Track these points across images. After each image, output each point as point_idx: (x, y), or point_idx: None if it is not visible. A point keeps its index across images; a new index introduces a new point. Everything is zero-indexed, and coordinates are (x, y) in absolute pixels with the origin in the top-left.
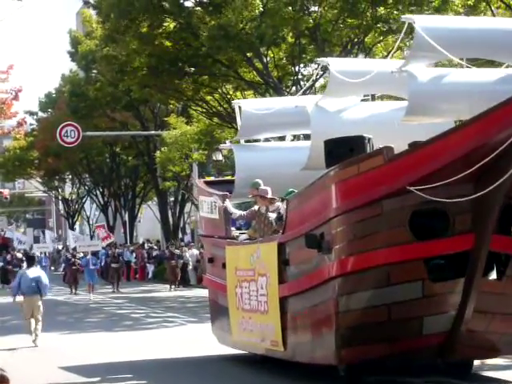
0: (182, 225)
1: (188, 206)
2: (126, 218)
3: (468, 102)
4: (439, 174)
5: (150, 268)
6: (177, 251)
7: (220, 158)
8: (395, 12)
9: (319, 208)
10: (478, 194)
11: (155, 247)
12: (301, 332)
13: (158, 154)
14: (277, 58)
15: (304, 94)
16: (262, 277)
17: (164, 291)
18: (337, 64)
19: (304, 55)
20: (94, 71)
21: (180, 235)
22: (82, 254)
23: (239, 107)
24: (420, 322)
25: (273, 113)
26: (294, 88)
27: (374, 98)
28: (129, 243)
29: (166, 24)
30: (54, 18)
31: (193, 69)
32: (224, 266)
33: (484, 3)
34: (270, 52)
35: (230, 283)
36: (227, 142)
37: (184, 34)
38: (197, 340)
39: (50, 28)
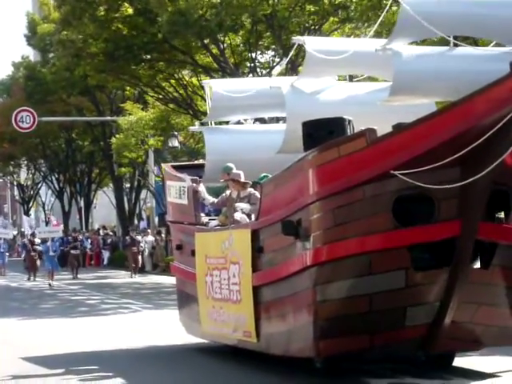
0: (137, 211)
1: (144, 193)
2: (82, 204)
3: (456, 81)
4: (425, 157)
5: (106, 254)
6: (138, 237)
7: (176, 144)
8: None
9: (296, 193)
10: (468, 181)
11: (111, 233)
12: (276, 323)
13: (113, 140)
14: (234, 44)
15: None
16: (234, 265)
17: (120, 277)
18: (313, 42)
19: (261, 42)
20: (51, 55)
21: (136, 221)
22: (39, 240)
23: (209, 87)
24: (403, 313)
25: (246, 95)
26: (250, 75)
27: (351, 79)
28: (84, 229)
29: (123, 8)
30: (10, 1)
31: (149, 56)
32: (193, 253)
33: None
34: (226, 38)
35: (200, 271)
36: (196, 124)
37: (141, 20)
38: (156, 328)
39: (4, 11)
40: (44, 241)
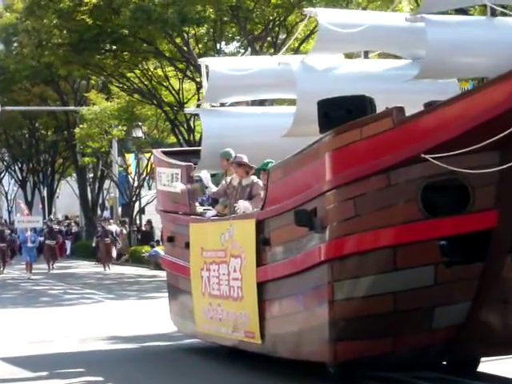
0: (100, 201)
1: (107, 183)
2: (45, 193)
3: (495, 55)
4: (460, 140)
5: (68, 244)
6: (111, 227)
7: (140, 134)
8: None
9: (311, 179)
10: (509, 165)
11: (73, 223)
12: (284, 323)
13: (77, 129)
14: (198, 35)
15: None
16: (235, 258)
17: (82, 267)
18: (327, 14)
19: (226, 32)
20: (15, 44)
21: (99, 211)
22: (8, 231)
23: (206, 66)
24: (430, 314)
25: (248, 74)
26: None
27: (367, 55)
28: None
29: (87, 0)
30: None
31: (114, 46)
32: (187, 245)
33: None
34: (191, 29)
35: (195, 265)
36: (192, 106)
37: (105, 11)
38: (119, 318)
39: None
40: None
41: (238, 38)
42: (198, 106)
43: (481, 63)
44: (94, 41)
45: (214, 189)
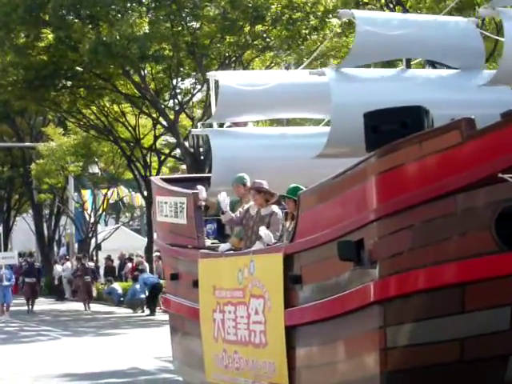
0: (57, 237)
1: (63, 219)
2: (1, 229)
3: None
4: None
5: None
6: (90, 264)
7: (96, 170)
8: (274, 30)
9: (357, 205)
10: None
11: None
12: (319, 374)
13: (33, 166)
14: (154, 71)
15: (182, 107)
16: (256, 299)
17: (39, 304)
18: (364, 16)
19: (182, 69)
20: None
21: (55, 248)
22: None
23: (215, 80)
24: (504, 364)
25: (265, 89)
26: (171, 101)
27: (409, 64)
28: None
29: (44, 35)
30: None
31: (70, 83)
32: (196, 284)
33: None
34: (147, 65)
35: (205, 306)
36: (199, 125)
37: (62, 47)
38: (76, 355)
39: None
40: None
41: (194, 74)
42: (204, 125)
43: None
44: (49, 77)
45: (231, 215)
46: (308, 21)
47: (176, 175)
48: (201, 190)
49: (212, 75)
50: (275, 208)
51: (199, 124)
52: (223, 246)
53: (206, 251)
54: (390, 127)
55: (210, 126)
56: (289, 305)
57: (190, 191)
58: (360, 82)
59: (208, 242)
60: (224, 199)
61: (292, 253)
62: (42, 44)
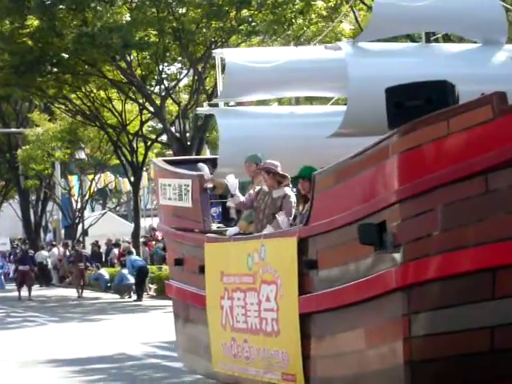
0: (44, 223)
1: (50, 205)
2: None
3: None
4: None
5: (12, 267)
6: (85, 251)
7: (83, 156)
8: (259, 14)
9: (378, 186)
10: None
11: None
12: (336, 364)
13: (19, 151)
14: (140, 57)
15: (168, 92)
16: (268, 285)
17: (24, 291)
18: None
19: (168, 54)
20: None
21: (42, 234)
22: None
23: (222, 58)
24: None
25: (275, 66)
26: (157, 87)
27: (428, 39)
28: None
29: (29, 23)
30: None
31: (55, 69)
32: (202, 269)
33: (346, 5)
34: (133, 52)
35: (212, 293)
36: (205, 104)
37: (47, 34)
38: (62, 341)
39: None
40: None
41: (180, 59)
42: (211, 105)
43: None
44: (35, 63)
45: (241, 198)
46: (293, 4)
47: (179, 157)
48: (202, 167)
49: (218, 52)
50: (288, 190)
51: (205, 104)
52: (231, 230)
53: (213, 235)
54: (415, 103)
55: (216, 105)
56: (303, 291)
57: (195, 173)
58: (378, 56)
59: (214, 226)
60: (233, 182)
61: (307, 236)
62: (27, 31)
